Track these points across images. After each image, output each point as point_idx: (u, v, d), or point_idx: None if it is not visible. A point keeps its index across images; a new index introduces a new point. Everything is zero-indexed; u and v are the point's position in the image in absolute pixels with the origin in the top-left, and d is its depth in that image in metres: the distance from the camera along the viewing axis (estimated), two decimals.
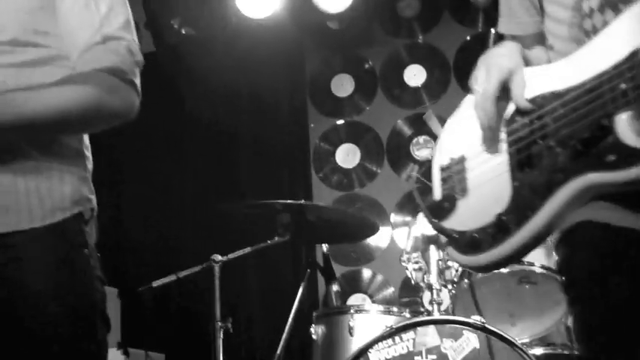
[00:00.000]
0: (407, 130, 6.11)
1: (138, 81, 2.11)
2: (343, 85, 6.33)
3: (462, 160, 2.00)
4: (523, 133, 1.85)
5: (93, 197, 2.13)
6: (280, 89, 6.13)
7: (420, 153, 6.03)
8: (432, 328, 3.31)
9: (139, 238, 5.67)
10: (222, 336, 4.00)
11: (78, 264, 2.04)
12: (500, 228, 1.84)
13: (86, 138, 2.17)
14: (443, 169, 2.05)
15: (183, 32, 5.97)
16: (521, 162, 1.84)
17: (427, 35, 6.19)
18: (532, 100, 1.84)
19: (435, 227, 2.02)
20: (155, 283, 4.17)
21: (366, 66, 6.32)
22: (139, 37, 2.21)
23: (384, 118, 6.15)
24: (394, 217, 5.95)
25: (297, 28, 6.09)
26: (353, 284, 5.83)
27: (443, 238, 2.01)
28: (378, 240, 5.87)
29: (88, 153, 2.16)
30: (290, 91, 6.24)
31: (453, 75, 6.08)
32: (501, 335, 3.14)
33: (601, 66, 1.71)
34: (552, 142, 1.78)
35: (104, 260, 2.12)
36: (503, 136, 1.91)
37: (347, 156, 6.21)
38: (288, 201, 4.06)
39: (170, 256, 5.24)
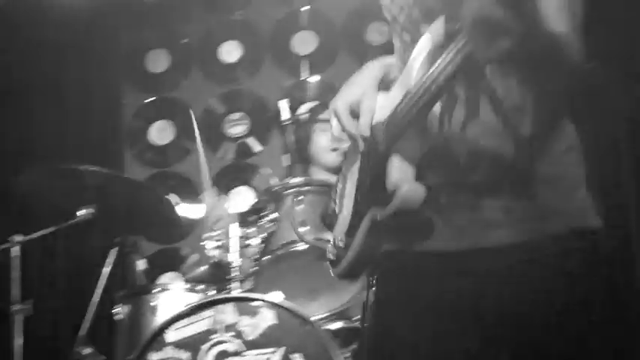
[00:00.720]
0: (220, 107, 6.08)
1: None
2: (158, 61, 6.23)
3: (344, 178, 2.07)
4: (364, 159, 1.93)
5: None
6: (93, 64, 5.95)
7: (233, 130, 6.02)
8: (230, 305, 3.30)
9: None
10: (21, 319, 3.89)
11: None
12: (342, 246, 1.95)
13: None
14: (335, 186, 2.13)
15: None
16: (358, 187, 1.94)
17: (243, 11, 6.16)
18: (372, 128, 1.86)
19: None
20: None
21: (182, 41, 6.24)
22: None
23: (199, 95, 6.09)
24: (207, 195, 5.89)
25: (112, 2, 5.93)
26: (166, 262, 5.74)
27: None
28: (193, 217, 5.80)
29: None
30: (103, 67, 6.06)
31: (269, 52, 6.09)
32: (294, 311, 3.18)
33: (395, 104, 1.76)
34: (370, 172, 1.87)
35: None
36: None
37: (161, 133, 6.14)
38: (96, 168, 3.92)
39: None
